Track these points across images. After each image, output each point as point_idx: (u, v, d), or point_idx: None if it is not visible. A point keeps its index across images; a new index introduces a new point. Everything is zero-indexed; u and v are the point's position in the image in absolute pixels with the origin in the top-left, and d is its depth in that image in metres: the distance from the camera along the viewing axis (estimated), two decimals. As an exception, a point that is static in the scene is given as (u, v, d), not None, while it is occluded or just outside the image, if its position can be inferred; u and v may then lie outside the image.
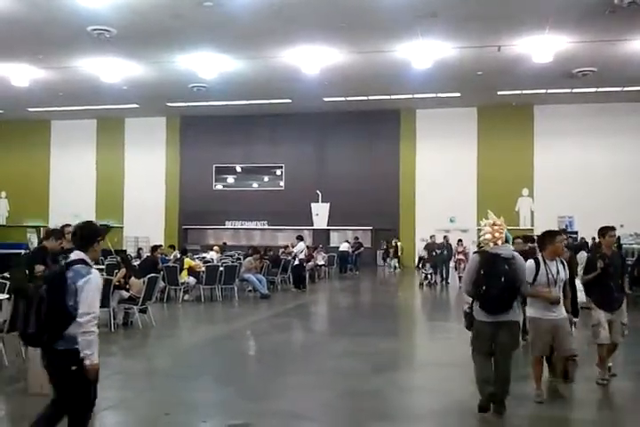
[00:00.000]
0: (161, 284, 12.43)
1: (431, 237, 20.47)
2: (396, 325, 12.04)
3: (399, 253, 26.06)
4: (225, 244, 26.18)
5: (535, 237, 10.84)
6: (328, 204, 28.07)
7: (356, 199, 27.53)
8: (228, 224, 29.76)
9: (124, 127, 31.00)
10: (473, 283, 5.57)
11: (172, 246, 17.53)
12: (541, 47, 17.87)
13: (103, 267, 15.14)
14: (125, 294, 10.37)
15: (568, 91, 23.78)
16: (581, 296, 6.89)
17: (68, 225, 8.58)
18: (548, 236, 6.05)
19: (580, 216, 24.90)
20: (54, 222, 25.97)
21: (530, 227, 26.05)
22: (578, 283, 6.87)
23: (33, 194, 31.18)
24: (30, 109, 28.24)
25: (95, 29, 16.90)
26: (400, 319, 13.00)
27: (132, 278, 10.62)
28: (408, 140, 28.23)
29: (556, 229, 24.05)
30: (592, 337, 6.69)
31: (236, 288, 15.04)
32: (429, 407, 6.14)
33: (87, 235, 4.14)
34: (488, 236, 5.68)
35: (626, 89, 23.29)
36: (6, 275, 9.48)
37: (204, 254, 19.39)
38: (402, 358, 8.74)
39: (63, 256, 7.95)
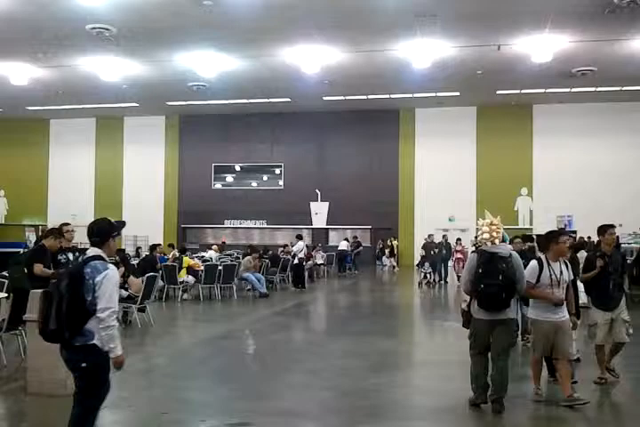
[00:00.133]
0: (160, 283, 12.43)
1: (429, 236, 20.44)
2: (395, 324, 12.03)
3: (395, 253, 26.10)
4: (224, 243, 26.18)
5: (534, 237, 10.84)
6: (327, 203, 28.11)
7: (355, 198, 27.55)
8: (227, 223, 29.75)
9: (124, 126, 30.99)
10: (471, 281, 5.69)
11: (171, 245, 17.53)
12: (541, 46, 17.87)
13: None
14: (124, 293, 10.35)
15: (567, 90, 23.78)
16: (583, 297, 6.89)
17: (67, 224, 8.57)
18: (552, 236, 5.98)
19: (578, 215, 24.92)
20: (53, 221, 25.95)
21: (529, 226, 26.08)
22: (579, 284, 6.85)
23: (32, 192, 31.16)
24: (29, 108, 28.22)
25: (94, 28, 16.89)
26: (399, 318, 12.99)
27: (131, 277, 10.61)
28: (407, 139, 28.24)
29: (556, 228, 24.12)
30: (589, 338, 6.69)
31: (234, 287, 15.04)
32: (428, 406, 6.14)
33: (101, 231, 4.21)
34: (486, 235, 5.79)
35: (625, 88, 23.29)
36: (5, 274, 9.49)
37: (202, 253, 19.40)
38: (400, 357, 8.74)
39: (62, 254, 8.02)
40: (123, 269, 10.77)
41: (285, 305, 14.14)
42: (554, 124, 26.20)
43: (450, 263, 19.79)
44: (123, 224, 4.44)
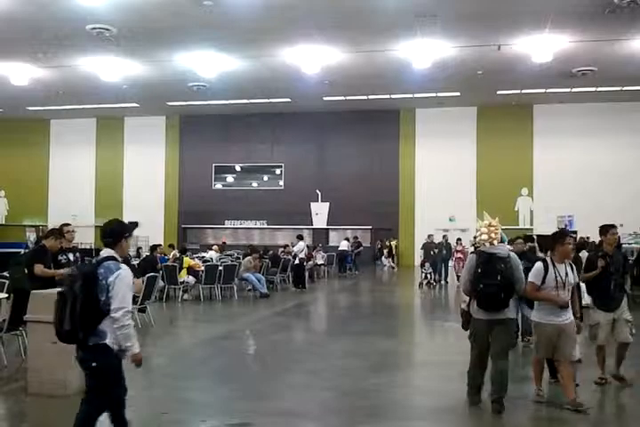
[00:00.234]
0: (160, 283, 12.43)
1: (428, 236, 20.40)
2: (395, 324, 12.03)
3: (394, 253, 26.14)
4: (224, 243, 26.17)
5: (534, 237, 10.83)
6: (327, 203, 28.09)
7: (355, 199, 27.55)
8: (228, 223, 29.74)
9: (124, 126, 31.01)
10: (470, 281, 5.77)
11: (172, 246, 17.54)
12: (541, 46, 17.87)
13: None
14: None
15: (568, 90, 23.78)
16: (585, 297, 6.85)
17: (68, 224, 8.58)
18: (557, 237, 5.90)
19: (579, 216, 24.90)
20: (53, 221, 25.96)
21: (529, 226, 26.09)
22: (582, 284, 6.81)
23: (32, 193, 31.18)
24: (30, 108, 28.23)
25: (95, 28, 16.90)
26: (399, 319, 12.99)
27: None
28: (408, 139, 28.24)
29: (556, 228, 24.12)
30: (590, 338, 6.66)
31: (235, 287, 15.04)
32: (428, 407, 6.14)
33: (113, 232, 4.26)
34: (484, 236, 5.89)
35: (625, 88, 23.29)
36: (5, 274, 9.49)
37: (203, 254, 19.39)
38: (400, 357, 8.73)
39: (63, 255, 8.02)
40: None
41: (286, 305, 14.14)
42: (554, 124, 26.20)
43: (450, 263, 19.79)
44: (135, 225, 4.49)
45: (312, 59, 19.34)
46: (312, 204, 28.33)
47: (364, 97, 25.47)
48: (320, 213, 28.16)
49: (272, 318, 12.27)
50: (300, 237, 19.33)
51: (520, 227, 25.48)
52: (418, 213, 27.86)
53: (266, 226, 29.42)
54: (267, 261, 17.21)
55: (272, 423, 5.52)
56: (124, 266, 4.11)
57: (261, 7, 15.43)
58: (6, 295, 7.61)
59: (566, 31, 17.01)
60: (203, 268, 14.56)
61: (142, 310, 10.64)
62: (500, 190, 26.53)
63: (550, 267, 5.76)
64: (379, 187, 27.83)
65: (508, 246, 6.92)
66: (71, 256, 8.15)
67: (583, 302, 6.80)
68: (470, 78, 22.11)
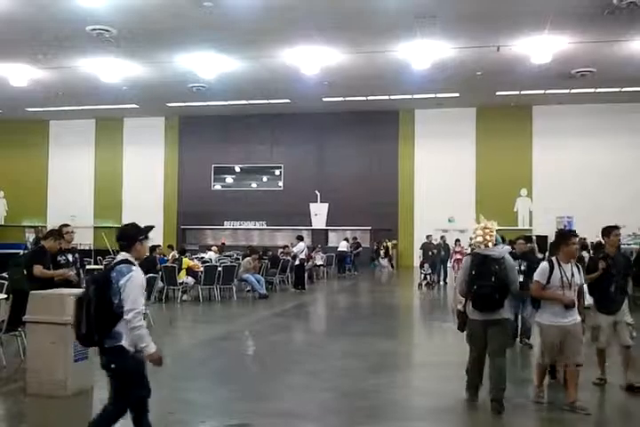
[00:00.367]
0: (159, 284, 12.43)
1: (427, 236, 20.37)
2: (394, 325, 12.03)
3: (390, 254, 26.18)
4: (223, 244, 26.17)
5: (534, 238, 10.84)
6: (327, 204, 28.08)
7: (354, 199, 27.54)
8: (227, 224, 29.73)
9: (123, 127, 30.99)
10: (465, 283, 5.88)
11: (171, 246, 17.53)
12: (540, 48, 17.88)
13: (102, 267, 15.15)
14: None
15: (567, 91, 23.79)
16: (588, 298, 6.81)
17: (67, 225, 8.58)
18: (562, 237, 5.90)
19: (578, 216, 24.90)
20: (52, 222, 25.95)
21: (528, 227, 26.10)
22: (584, 286, 6.77)
23: (31, 194, 31.16)
24: (29, 109, 28.23)
25: (95, 29, 16.88)
26: (398, 319, 13.00)
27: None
28: (407, 140, 28.25)
29: (555, 229, 23.99)
30: (591, 340, 6.61)
31: (234, 288, 15.03)
32: (428, 407, 6.14)
33: (127, 236, 4.33)
34: (479, 238, 5.99)
35: (624, 89, 23.30)
36: (4, 275, 9.49)
37: (202, 254, 19.39)
38: (400, 358, 8.74)
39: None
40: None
41: (285, 306, 14.14)
42: (553, 125, 26.21)
43: (449, 264, 19.79)
44: (150, 228, 4.50)
45: (311, 60, 19.35)
46: (311, 204, 28.31)
47: (364, 98, 25.47)
48: (319, 213, 28.16)
49: (271, 318, 12.27)
50: (300, 238, 19.33)
51: (519, 228, 25.49)
52: (417, 213, 27.86)
53: (265, 227, 29.42)
54: (266, 261, 17.21)
55: (271, 424, 5.53)
56: (136, 268, 4.16)
57: (261, 8, 15.43)
58: (5, 296, 7.61)
59: (565, 32, 17.02)
60: (202, 269, 14.56)
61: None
62: (499, 191, 26.55)
63: (556, 266, 5.74)
64: (378, 188, 27.83)
65: (507, 247, 6.95)
66: (70, 257, 8.15)
67: (585, 303, 6.76)
68: (469, 79, 22.12)
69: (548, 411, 5.91)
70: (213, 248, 19.91)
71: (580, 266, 5.98)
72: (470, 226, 6.46)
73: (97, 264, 17.50)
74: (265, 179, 30.41)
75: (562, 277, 5.70)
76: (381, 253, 26.37)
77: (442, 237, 20.68)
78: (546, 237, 23.33)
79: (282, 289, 17.49)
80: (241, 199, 29.37)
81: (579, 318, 5.81)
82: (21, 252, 16.69)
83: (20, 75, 21.45)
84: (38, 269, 7.57)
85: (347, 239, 24.57)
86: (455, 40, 17.87)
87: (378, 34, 17.44)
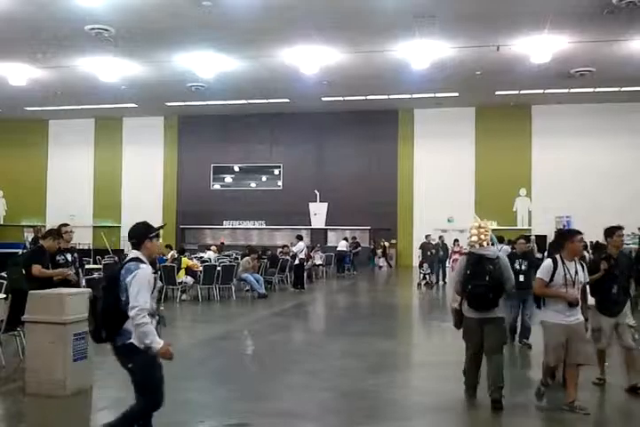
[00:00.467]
0: (158, 283, 12.40)
1: (426, 236, 20.36)
2: (394, 325, 12.03)
3: (387, 253, 26.25)
4: (222, 243, 26.16)
5: (532, 238, 10.84)
6: (326, 203, 28.10)
7: (353, 199, 27.55)
8: (226, 224, 29.72)
9: (122, 127, 30.98)
10: (460, 282, 5.99)
11: (170, 246, 17.52)
12: (540, 47, 17.88)
13: (100, 266, 15.15)
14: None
15: (566, 91, 23.79)
16: (590, 299, 6.76)
17: (66, 225, 8.58)
18: (567, 235, 5.87)
19: (577, 216, 24.90)
20: (52, 222, 25.93)
21: (527, 227, 26.12)
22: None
23: (30, 193, 31.14)
24: (28, 109, 28.20)
25: (93, 29, 16.87)
26: (397, 319, 13.00)
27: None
28: (406, 139, 28.24)
29: (554, 229, 23.94)
30: (594, 342, 6.53)
31: (233, 288, 15.04)
32: (427, 407, 6.14)
33: (136, 234, 4.37)
34: (474, 238, 6.10)
35: (624, 89, 23.31)
36: (3, 274, 9.48)
37: (201, 254, 19.38)
38: (399, 357, 8.74)
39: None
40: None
41: (284, 306, 14.14)
42: (552, 124, 26.21)
43: (448, 264, 19.79)
44: (161, 226, 4.54)
45: (311, 59, 19.33)
46: (310, 204, 28.33)
47: (363, 97, 25.47)
48: (318, 213, 28.17)
49: (270, 318, 12.27)
50: (300, 238, 19.34)
51: (518, 227, 25.51)
52: (416, 213, 27.86)
53: (264, 226, 29.41)
54: (265, 261, 17.21)
55: (270, 424, 5.52)
56: (143, 266, 4.18)
57: (260, 8, 15.42)
58: (4, 296, 7.60)
59: (565, 32, 17.02)
60: (201, 268, 14.56)
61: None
62: (498, 191, 26.56)
63: (560, 264, 5.70)
64: (377, 187, 27.83)
65: (507, 247, 6.99)
66: (69, 257, 8.15)
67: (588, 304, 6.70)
68: (469, 79, 22.11)
69: (547, 411, 5.91)
70: (212, 248, 19.90)
71: (584, 264, 5.94)
72: (469, 226, 6.48)
73: (96, 264, 17.48)
74: (264, 178, 30.39)
75: (565, 274, 5.65)
76: (378, 252, 26.43)
77: (440, 237, 20.68)
78: (545, 236, 23.39)
79: (281, 289, 17.49)
80: (240, 199, 29.37)
81: (582, 318, 5.77)
82: (20, 251, 16.66)
83: (19, 74, 21.42)
84: (37, 269, 7.56)
85: (346, 239, 24.57)
86: (454, 40, 17.86)
87: (377, 33, 17.44)
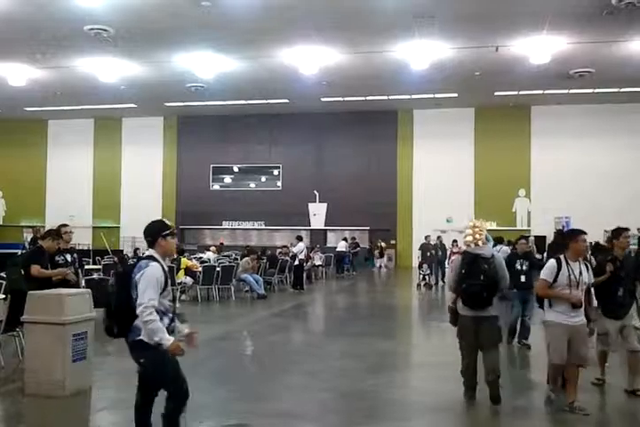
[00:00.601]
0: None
1: (426, 237, 20.31)
2: (393, 325, 12.03)
3: (383, 253, 26.31)
4: (222, 244, 26.16)
5: (531, 238, 10.83)
6: (325, 204, 28.11)
7: (353, 199, 27.55)
8: (226, 224, 29.73)
9: (122, 127, 30.98)
10: (455, 281, 6.09)
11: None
12: (539, 48, 17.90)
13: (100, 267, 15.13)
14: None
15: (565, 91, 23.81)
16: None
17: (65, 225, 8.58)
18: (571, 235, 5.82)
19: (576, 217, 24.90)
20: (51, 222, 25.91)
21: (526, 227, 26.11)
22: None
23: (30, 193, 31.12)
24: (27, 109, 28.20)
25: (93, 29, 16.87)
26: (396, 320, 13.00)
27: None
28: (405, 140, 28.25)
29: (554, 229, 23.92)
30: (600, 345, 6.51)
31: (232, 288, 15.03)
32: (426, 407, 6.14)
33: (150, 233, 4.37)
34: (469, 237, 6.16)
35: (623, 90, 23.33)
36: (2, 275, 9.47)
37: (200, 254, 19.37)
38: (398, 358, 8.74)
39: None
40: (121, 270, 10.80)
41: (283, 306, 14.14)
42: (552, 125, 26.23)
43: (446, 265, 19.77)
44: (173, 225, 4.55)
45: (310, 60, 19.35)
46: (310, 204, 28.34)
47: (362, 98, 25.47)
48: (318, 213, 28.18)
49: (270, 319, 12.27)
50: (300, 238, 19.35)
51: (518, 228, 25.52)
52: (415, 214, 27.86)
53: (263, 227, 29.41)
54: (264, 260, 17.20)
55: (270, 425, 5.52)
56: (154, 264, 4.17)
57: (260, 8, 15.42)
58: (3, 296, 7.60)
59: (564, 33, 17.03)
60: (200, 269, 14.54)
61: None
62: (497, 191, 26.57)
63: (563, 265, 5.64)
64: (376, 188, 27.83)
65: (506, 248, 7.01)
66: (69, 257, 8.15)
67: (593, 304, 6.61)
68: (468, 79, 22.12)
69: (547, 412, 5.91)
70: (212, 248, 19.89)
71: (588, 265, 5.88)
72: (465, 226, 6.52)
73: (95, 264, 17.46)
74: (263, 179, 30.39)
75: (570, 275, 5.59)
76: (376, 253, 26.47)
77: (438, 238, 20.67)
78: (544, 237, 23.39)
79: (280, 289, 17.48)
80: (239, 199, 29.36)
81: (585, 319, 5.71)
82: (19, 252, 16.64)
83: (19, 74, 21.43)
84: (36, 269, 7.57)
85: (345, 239, 24.58)
86: (454, 40, 17.87)
87: (376, 34, 17.45)
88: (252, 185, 30.44)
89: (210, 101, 26.18)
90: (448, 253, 19.81)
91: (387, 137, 28.19)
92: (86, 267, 14.68)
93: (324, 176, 28.64)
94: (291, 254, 18.30)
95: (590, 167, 25.87)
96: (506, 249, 13.72)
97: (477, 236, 6.12)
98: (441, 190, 27.06)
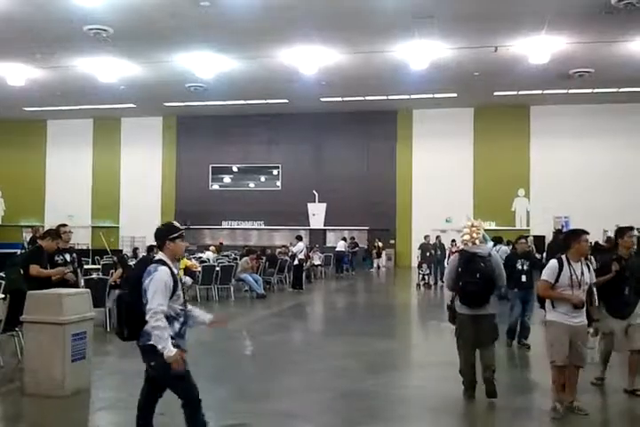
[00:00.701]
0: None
1: (425, 237, 20.28)
2: (393, 325, 12.03)
3: (381, 253, 26.35)
4: (221, 244, 26.14)
5: (530, 238, 10.80)
6: (325, 204, 28.11)
7: (352, 199, 27.56)
8: (225, 224, 29.72)
9: (121, 127, 30.96)
10: (453, 279, 6.16)
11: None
12: (538, 48, 17.90)
13: (99, 267, 15.11)
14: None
15: (564, 91, 23.81)
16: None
17: (64, 225, 8.58)
18: (573, 235, 5.71)
19: (575, 217, 24.92)
20: (50, 222, 25.90)
21: (526, 227, 26.11)
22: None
23: (29, 193, 31.10)
24: (26, 109, 28.18)
25: (92, 29, 16.85)
26: (396, 320, 12.99)
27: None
28: (405, 140, 28.25)
29: (553, 229, 23.89)
30: (605, 346, 6.45)
31: (232, 288, 15.03)
32: (426, 407, 6.14)
33: (158, 236, 4.37)
34: (466, 236, 6.25)
35: (622, 90, 23.33)
36: (1, 275, 9.47)
37: (200, 254, 19.36)
38: (398, 357, 8.75)
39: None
40: (121, 270, 10.80)
41: (283, 306, 14.14)
42: (551, 125, 26.23)
43: (446, 264, 19.77)
44: (186, 226, 4.52)
45: (310, 60, 19.34)
46: (309, 204, 28.34)
47: (362, 98, 25.47)
48: (317, 213, 28.18)
49: (269, 318, 12.27)
50: (300, 238, 19.36)
51: (517, 228, 25.52)
52: (415, 213, 27.86)
53: (263, 227, 29.41)
54: (263, 261, 17.18)
55: (269, 424, 5.52)
56: (162, 268, 4.14)
57: (259, 8, 15.41)
58: (3, 296, 7.59)
59: (563, 33, 17.04)
60: (200, 268, 14.54)
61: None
62: (497, 191, 26.56)
63: (565, 265, 5.55)
64: (376, 188, 27.84)
65: (505, 248, 7.03)
66: (68, 257, 8.14)
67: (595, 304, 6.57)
68: (467, 79, 22.13)
69: (547, 412, 5.89)
70: (211, 248, 19.88)
71: (590, 264, 5.82)
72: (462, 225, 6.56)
73: (94, 264, 17.45)
74: (263, 179, 30.40)
75: (571, 275, 5.51)
76: (373, 252, 26.50)
77: (437, 238, 20.65)
78: (543, 237, 23.42)
79: (279, 289, 17.48)
80: (239, 199, 29.35)
81: (586, 320, 5.65)
82: (19, 251, 16.62)
83: (18, 74, 21.42)
84: (35, 269, 7.56)
85: (344, 239, 24.56)
86: (453, 40, 17.87)
87: (376, 34, 17.44)
88: (252, 185, 30.44)
89: (209, 101, 26.17)
90: (447, 252, 19.81)
91: (386, 137, 28.19)
92: (85, 267, 14.66)
93: (323, 176, 28.63)
94: (290, 254, 18.30)
95: (590, 167, 25.87)
96: (505, 249, 13.72)
97: (474, 235, 6.20)
98: (440, 190, 27.05)
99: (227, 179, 30.77)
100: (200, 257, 18.09)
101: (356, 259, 24.97)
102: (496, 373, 6.02)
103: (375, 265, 26.19)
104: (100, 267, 14.87)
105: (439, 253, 19.66)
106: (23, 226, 29.95)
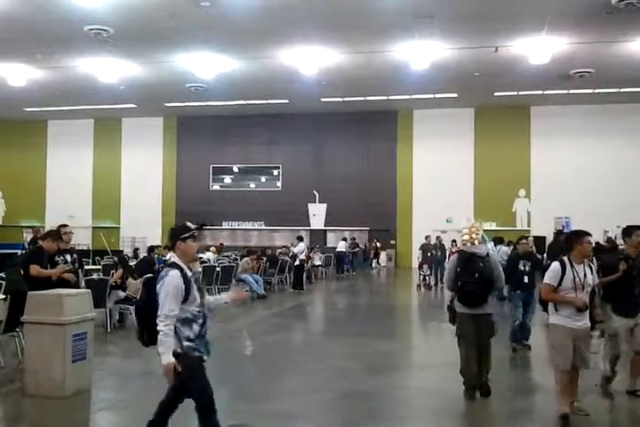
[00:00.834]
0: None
1: (426, 237, 20.27)
2: (393, 326, 12.03)
3: (379, 254, 26.38)
4: (222, 244, 26.13)
5: (531, 238, 10.78)
6: (325, 204, 28.11)
7: (353, 200, 27.57)
8: (225, 225, 29.72)
9: (122, 127, 30.97)
10: (452, 279, 6.25)
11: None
12: (538, 48, 17.90)
13: (100, 267, 15.12)
14: (122, 294, 10.36)
15: (565, 92, 23.81)
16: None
17: (65, 225, 8.58)
18: (575, 236, 5.63)
19: (576, 217, 24.90)
20: (51, 223, 25.90)
21: (527, 228, 26.09)
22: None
23: (29, 194, 31.10)
24: (27, 109, 28.19)
25: (92, 29, 16.86)
26: (397, 320, 12.99)
27: (129, 279, 10.61)
28: (405, 140, 28.24)
29: (553, 229, 23.82)
30: (611, 349, 6.40)
31: (232, 289, 15.02)
32: (425, 408, 6.14)
33: (170, 236, 4.36)
34: (466, 237, 6.32)
35: (623, 90, 23.32)
36: (2, 275, 9.47)
37: (200, 255, 19.34)
38: (399, 358, 8.74)
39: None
40: (121, 270, 10.80)
41: (283, 307, 14.14)
42: (551, 125, 26.22)
43: (446, 265, 19.74)
44: (200, 226, 4.53)
45: (310, 60, 19.35)
46: (310, 205, 28.35)
47: (362, 98, 25.47)
48: (317, 214, 28.18)
49: (270, 319, 12.27)
50: (300, 239, 19.36)
51: (518, 228, 25.51)
52: (415, 214, 27.85)
53: (263, 227, 29.41)
54: (263, 261, 17.18)
55: (270, 425, 5.52)
56: (172, 272, 4.09)
57: (259, 8, 15.42)
58: (3, 297, 7.59)
59: (564, 33, 17.03)
60: (200, 269, 14.52)
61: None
62: (497, 192, 26.55)
63: (568, 267, 5.45)
64: (376, 188, 27.84)
65: (505, 248, 7.05)
66: (68, 257, 8.15)
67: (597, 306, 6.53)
68: (468, 80, 22.13)
69: (546, 412, 5.90)
70: (212, 249, 19.90)
71: (592, 266, 5.74)
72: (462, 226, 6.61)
73: (95, 265, 17.46)
74: (263, 179, 30.40)
75: (574, 278, 5.42)
76: (372, 253, 26.50)
77: (437, 238, 20.65)
78: (543, 238, 23.39)
79: (280, 289, 17.48)
80: (239, 200, 29.35)
81: (589, 324, 5.58)
82: (19, 252, 16.62)
83: (18, 74, 21.43)
84: (35, 269, 7.56)
85: (345, 239, 24.56)
86: (453, 40, 17.87)
87: (376, 34, 17.45)
88: (252, 185, 30.44)
89: (210, 102, 26.18)
90: (447, 253, 19.81)
91: (386, 137, 28.19)
92: (86, 267, 14.67)
93: (323, 176, 28.63)
94: (291, 254, 18.30)
95: (590, 167, 25.86)
96: (505, 249, 13.71)
97: (474, 235, 6.27)
98: (441, 191, 27.04)
99: (227, 179, 30.78)
100: (200, 257, 18.09)
101: (357, 259, 24.94)
102: (497, 374, 6.05)
103: (373, 265, 26.17)
104: (100, 267, 14.88)
105: (440, 253, 19.65)
106: (24, 226, 29.95)
